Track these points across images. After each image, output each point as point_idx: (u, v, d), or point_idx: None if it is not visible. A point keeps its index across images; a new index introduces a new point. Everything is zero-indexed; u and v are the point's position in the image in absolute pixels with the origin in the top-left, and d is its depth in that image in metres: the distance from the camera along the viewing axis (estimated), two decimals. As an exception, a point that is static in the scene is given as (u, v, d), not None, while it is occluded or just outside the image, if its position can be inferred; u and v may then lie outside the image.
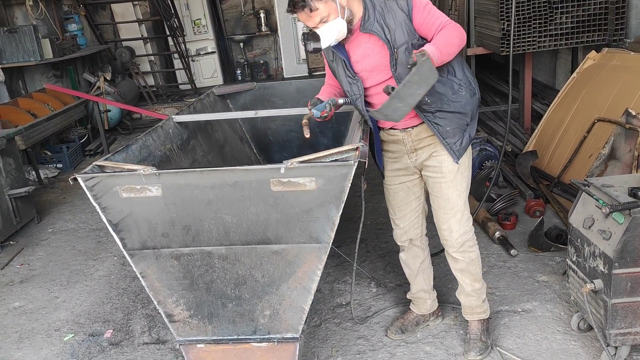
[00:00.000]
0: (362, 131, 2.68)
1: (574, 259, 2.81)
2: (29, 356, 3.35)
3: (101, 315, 3.70)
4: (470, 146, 2.72)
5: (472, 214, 2.86)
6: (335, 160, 2.31)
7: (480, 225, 4.21)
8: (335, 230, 2.32)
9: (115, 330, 3.50)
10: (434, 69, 2.27)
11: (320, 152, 2.33)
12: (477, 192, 4.50)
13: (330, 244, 2.34)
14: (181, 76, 10.67)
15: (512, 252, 3.78)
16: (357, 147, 2.38)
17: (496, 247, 3.96)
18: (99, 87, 8.26)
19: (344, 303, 3.54)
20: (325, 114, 2.67)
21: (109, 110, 8.20)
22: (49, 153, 7.23)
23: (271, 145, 4.60)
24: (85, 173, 2.34)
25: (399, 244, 3.04)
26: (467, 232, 2.76)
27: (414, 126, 2.66)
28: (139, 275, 2.45)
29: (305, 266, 2.38)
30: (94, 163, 2.47)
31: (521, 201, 4.63)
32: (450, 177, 2.67)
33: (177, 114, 3.46)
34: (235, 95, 4.43)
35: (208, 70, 10.94)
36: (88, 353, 3.31)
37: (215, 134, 3.96)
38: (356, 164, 2.21)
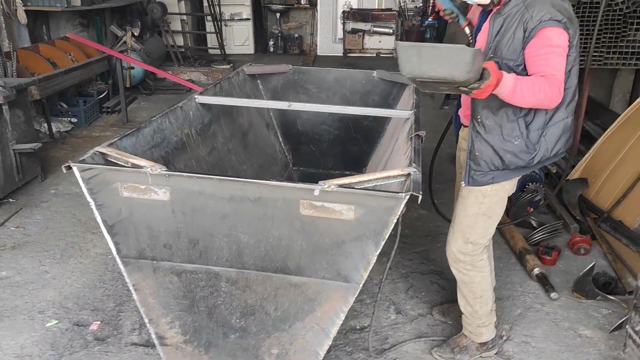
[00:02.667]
0: (413, 150, 2.26)
1: (637, 328, 2.40)
2: (6, 340, 3.02)
3: (91, 301, 3.36)
4: (504, 187, 2.45)
5: (500, 228, 2.61)
6: (376, 188, 1.90)
7: (517, 256, 3.80)
8: (369, 270, 1.93)
9: (103, 323, 3.15)
10: (470, 69, 1.83)
11: (364, 174, 1.92)
12: (516, 217, 4.07)
13: (361, 285, 1.95)
14: (211, 40, 10.24)
15: (553, 295, 3.37)
16: (408, 174, 1.98)
17: (534, 285, 3.55)
18: (125, 42, 7.85)
19: (357, 327, 3.16)
20: (451, 12, 2.59)
21: (133, 68, 7.82)
22: (64, 105, 6.88)
23: (299, 136, 4.19)
24: (83, 161, 1.96)
25: None
26: (463, 253, 2.60)
27: (466, 126, 2.59)
28: (130, 287, 2.09)
29: (327, 306, 2.00)
30: (96, 149, 2.09)
31: (564, 233, 4.19)
32: (464, 194, 2.51)
33: (201, 93, 3.06)
34: (267, 77, 4.01)
35: (240, 37, 10.50)
36: (69, 347, 2.97)
37: (239, 118, 3.56)
38: (407, 197, 1.81)
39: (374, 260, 1.91)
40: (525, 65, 2.15)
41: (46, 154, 5.82)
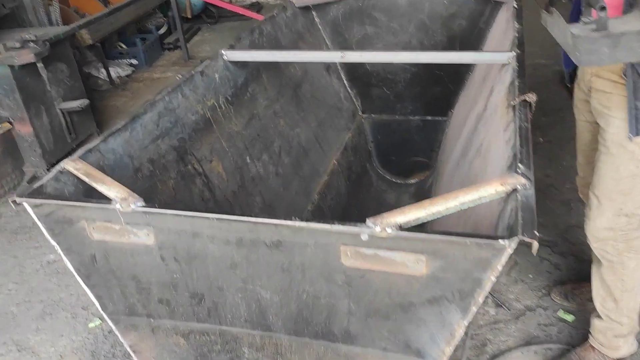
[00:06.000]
0: (519, 135, 1.48)
1: None
2: (45, 346, 2.70)
3: (137, 294, 2.96)
4: None
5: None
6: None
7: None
8: (455, 346, 1.26)
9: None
10: None
11: (437, 200, 1.21)
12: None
13: (444, 362, 1.29)
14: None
15: None
16: (513, 190, 1.24)
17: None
18: (180, -33, 7.14)
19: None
20: None
21: (192, -5, 7.16)
22: (124, 47, 6.40)
23: (368, 77, 3.41)
24: (36, 193, 1.38)
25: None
26: (613, 230, 1.93)
27: None
28: (129, 350, 1.56)
29: (392, 385, 1.36)
30: (61, 165, 1.50)
31: None
32: (613, 150, 1.84)
33: (231, 47, 2.36)
34: (324, 7, 3.21)
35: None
36: (111, 356, 2.60)
37: (288, 68, 2.84)
38: (514, 245, 1.09)
39: (462, 332, 1.23)
40: None
41: (105, 104, 5.45)
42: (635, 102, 1.70)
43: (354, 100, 3.49)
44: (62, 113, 4.29)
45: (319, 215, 2.73)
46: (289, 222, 1.20)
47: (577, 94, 2.11)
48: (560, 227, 3.08)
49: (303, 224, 1.19)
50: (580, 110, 2.14)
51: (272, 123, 2.57)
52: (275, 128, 2.59)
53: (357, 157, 3.39)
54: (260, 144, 2.44)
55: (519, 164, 1.34)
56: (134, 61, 6.29)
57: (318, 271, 1.26)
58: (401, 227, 1.16)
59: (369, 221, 1.16)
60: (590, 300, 2.20)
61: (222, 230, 1.27)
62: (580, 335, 2.38)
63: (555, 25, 1.51)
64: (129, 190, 1.33)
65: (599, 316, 2.13)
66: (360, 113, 3.52)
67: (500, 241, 1.09)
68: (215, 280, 1.35)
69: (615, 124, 1.81)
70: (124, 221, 1.31)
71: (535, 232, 1.10)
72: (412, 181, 3.57)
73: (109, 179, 1.40)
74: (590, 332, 2.20)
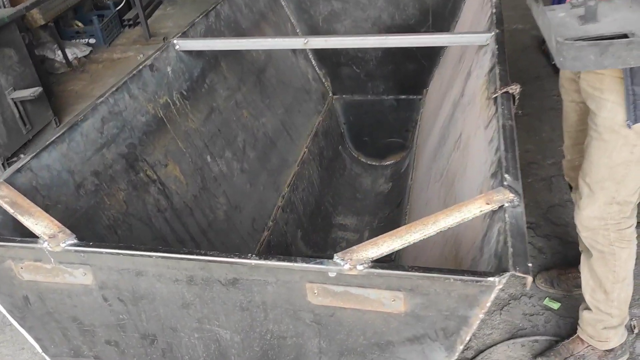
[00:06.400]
0: (503, 136, 1.33)
1: None
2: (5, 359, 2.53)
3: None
4: None
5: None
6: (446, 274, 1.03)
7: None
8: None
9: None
10: None
11: (419, 225, 1.05)
12: None
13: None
14: None
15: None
16: (500, 207, 1.09)
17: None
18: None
19: None
20: None
21: (150, -33, 6.78)
22: (80, 25, 6.05)
23: (337, 56, 3.21)
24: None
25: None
26: (604, 219, 1.82)
27: None
28: (77, 393, 1.39)
29: None
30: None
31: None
32: (606, 136, 1.70)
33: (183, 35, 2.14)
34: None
35: None
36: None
37: (250, 53, 2.63)
38: (505, 280, 0.94)
39: (449, 372, 1.09)
40: None
41: (63, 89, 5.15)
42: (632, 87, 1.55)
43: (323, 81, 3.29)
44: (15, 103, 4.01)
45: (290, 210, 2.56)
46: (244, 260, 1.03)
47: (564, 73, 1.96)
48: (543, 206, 2.97)
49: (261, 261, 1.03)
50: (566, 90, 1.99)
51: (234, 115, 2.38)
52: (238, 120, 2.39)
53: (328, 142, 3.21)
54: (222, 139, 2.25)
55: (505, 174, 1.19)
56: (92, 40, 5.95)
57: (282, 310, 1.10)
58: (374, 262, 1.00)
59: (337, 257, 1.00)
60: (577, 286, 2.11)
61: (169, 268, 1.10)
62: (568, 324, 2.29)
63: (541, 16, 1.34)
64: (59, 224, 1.15)
65: (588, 308, 2.03)
66: (330, 94, 3.33)
67: (490, 278, 0.94)
68: (167, 320, 1.19)
69: (608, 107, 1.66)
70: (55, 261, 1.13)
71: (529, 264, 0.96)
72: (388, 163, 3.42)
73: (37, 209, 1.21)
74: (578, 324, 2.11)
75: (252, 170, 2.38)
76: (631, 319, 2.23)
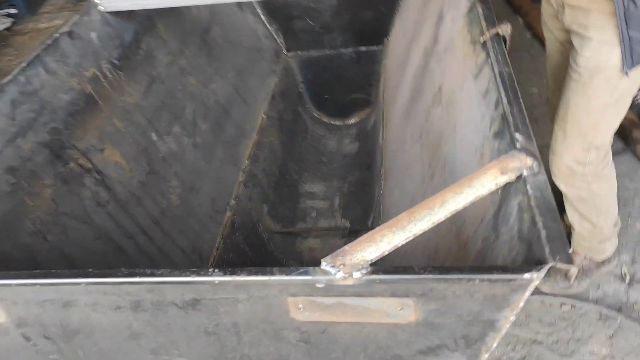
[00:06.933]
0: (503, 86, 1.10)
1: None
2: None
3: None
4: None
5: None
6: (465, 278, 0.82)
7: (621, 135, 2.70)
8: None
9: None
10: None
11: (424, 209, 0.82)
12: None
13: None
14: None
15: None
16: (518, 177, 0.87)
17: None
18: None
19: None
20: None
21: None
22: (-1, -6, 5.48)
23: (288, 8, 2.90)
24: None
25: None
26: (582, 164, 1.71)
27: None
28: None
29: None
30: None
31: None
32: (585, 78, 1.54)
33: (107, -7, 1.81)
34: None
35: None
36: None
37: (191, 11, 2.31)
38: (542, 275, 0.73)
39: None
40: None
41: (-14, 69, 4.66)
42: (628, 30, 1.36)
43: (276, 37, 2.98)
44: None
45: (253, 184, 2.31)
46: (204, 278, 0.79)
47: (546, 9, 1.75)
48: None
49: (226, 277, 0.78)
50: (549, 28, 1.79)
51: (180, 84, 2.08)
52: (184, 89, 2.09)
53: (287, 104, 2.94)
54: (168, 113, 1.96)
55: (516, 134, 0.96)
56: (13, 10, 5.39)
57: (259, 331, 0.87)
58: (373, 265, 0.77)
59: (325, 263, 0.77)
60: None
61: (106, 294, 0.84)
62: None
63: None
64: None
65: (576, 230, 1.92)
66: (284, 52, 3.03)
67: (525, 275, 0.72)
68: (113, 355, 0.94)
69: (591, 46, 1.49)
70: (-46, 298, 0.86)
71: (570, 250, 0.75)
72: (353, 121, 3.18)
73: None
74: (573, 241, 1.99)
75: (206, 145, 2.10)
76: (622, 266, 2.10)
